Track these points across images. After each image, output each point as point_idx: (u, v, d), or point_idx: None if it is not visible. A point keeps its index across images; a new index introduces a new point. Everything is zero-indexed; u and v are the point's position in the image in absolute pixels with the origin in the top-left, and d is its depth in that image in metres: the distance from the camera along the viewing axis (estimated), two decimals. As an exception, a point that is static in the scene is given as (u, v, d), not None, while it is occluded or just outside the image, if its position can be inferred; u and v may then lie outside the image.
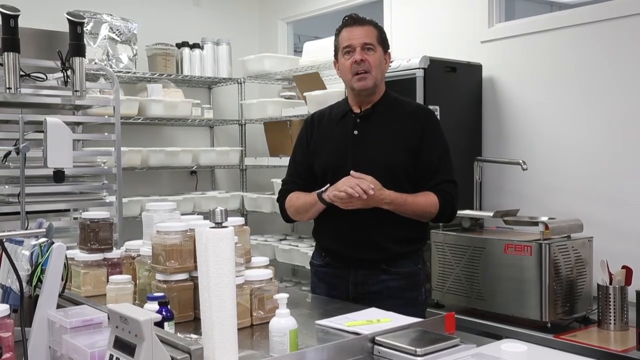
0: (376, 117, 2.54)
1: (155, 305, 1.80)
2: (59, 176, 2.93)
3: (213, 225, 1.63)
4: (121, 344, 1.42)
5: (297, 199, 2.60)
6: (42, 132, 2.91)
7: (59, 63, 3.35)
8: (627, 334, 2.87)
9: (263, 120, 5.17)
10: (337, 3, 5.14)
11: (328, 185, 2.44)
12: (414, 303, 2.51)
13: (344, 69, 2.54)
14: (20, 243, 1.88)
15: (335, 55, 2.59)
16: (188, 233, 1.99)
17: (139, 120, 4.74)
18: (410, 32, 4.53)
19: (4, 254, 1.75)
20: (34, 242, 1.85)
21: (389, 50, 2.60)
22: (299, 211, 2.60)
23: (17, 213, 3.31)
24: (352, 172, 2.38)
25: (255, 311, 1.96)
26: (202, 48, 5.19)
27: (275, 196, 4.73)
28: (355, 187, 2.31)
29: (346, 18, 2.56)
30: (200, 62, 5.16)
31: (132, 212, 4.50)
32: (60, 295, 1.83)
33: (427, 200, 2.47)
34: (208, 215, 1.68)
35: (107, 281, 2.17)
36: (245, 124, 5.50)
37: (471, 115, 4.06)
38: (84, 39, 3.42)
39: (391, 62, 3.11)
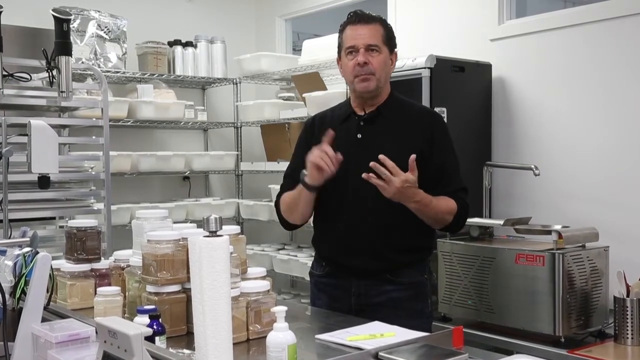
0: (381, 120, 2.55)
1: (145, 319, 1.80)
2: (43, 182, 2.93)
3: (207, 234, 1.64)
4: (110, 360, 1.43)
5: (286, 196, 2.62)
6: (26, 135, 2.92)
7: (44, 62, 3.36)
8: (645, 349, 2.88)
9: (260, 122, 5.18)
10: (338, -1, 5.17)
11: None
12: (420, 315, 2.51)
13: (346, 70, 2.54)
14: (3, 253, 1.88)
15: (339, 53, 2.60)
16: (180, 242, 1.99)
17: (129, 123, 4.75)
18: (416, 30, 4.54)
19: (-15, 264, 1.76)
20: (17, 251, 1.86)
21: (396, 50, 2.60)
22: (291, 208, 2.60)
23: (0, 221, 3.31)
24: (378, 158, 2.32)
25: (251, 325, 1.96)
26: (195, 46, 5.20)
27: (273, 203, 4.77)
28: (320, 160, 2.32)
29: (351, 14, 2.56)
30: (194, 62, 5.17)
31: (121, 220, 4.50)
32: (45, 308, 1.84)
33: (447, 206, 2.48)
34: (202, 224, 1.69)
35: (95, 293, 2.17)
36: (241, 127, 5.51)
37: (480, 118, 4.06)
38: (71, 37, 3.43)
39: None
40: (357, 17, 2.53)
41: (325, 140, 2.38)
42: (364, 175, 2.33)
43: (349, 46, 2.51)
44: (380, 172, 2.31)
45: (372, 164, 2.32)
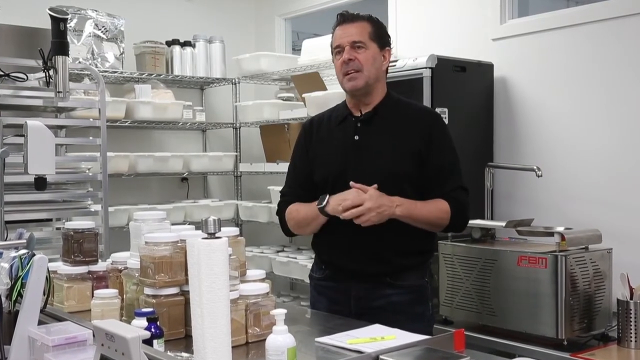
0: (378, 120, 2.55)
1: (143, 322, 1.80)
2: (40, 183, 2.93)
3: (205, 235, 1.64)
4: (107, 363, 1.43)
5: (297, 211, 2.60)
6: (23, 136, 2.91)
7: (40, 62, 3.35)
8: (649, 352, 2.88)
9: (259, 123, 5.18)
10: (338, -2, 5.18)
11: (327, 196, 2.45)
12: (421, 319, 2.51)
13: (336, 70, 2.58)
14: (-1, 255, 1.88)
15: (332, 56, 2.62)
16: (179, 244, 1.99)
17: (126, 124, 4.75)
18: (417, 29, 4.54)
19: (-19, 266, 1.76)
20: (13, 253, 1.86)
21: (389, 47, 2.60)
22: (300, 225, 2.62)
23: (-4, 223, 3.31)
24: (351, 183, 2.39)
25: (250, 328, 1.96)
26: (193, 46, 5.20)
27: (272, 204, 4.78)
28: (352, 203, 2.34)
29: (338, 16, 2.60)
30: (192, 61, 5.17)
31: (118, 221, 4.50)
32: (41, 311, 1.84)
33: (437, 208, 2.47)
34: (200, 225, 1.69)
35: (92, 296, 2.17)
36: (240, 128, 5.51)
37: (482, 118, 4.07)
38: (68, 37, 3.43)
39: (395, 61, 3.11)
40: (343, 18, 2.57)
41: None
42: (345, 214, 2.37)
43: (336, 46, 2.55)
44: (355, 212, 2.34)
45: (344, 215, 2.36)
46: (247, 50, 5.49)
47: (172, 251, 1.97)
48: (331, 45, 2.60)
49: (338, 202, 2.39)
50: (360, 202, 2.34)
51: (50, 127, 3.20)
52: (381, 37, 2.56)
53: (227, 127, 5.53)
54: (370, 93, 2.55)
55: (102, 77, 4.04)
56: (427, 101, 3.68)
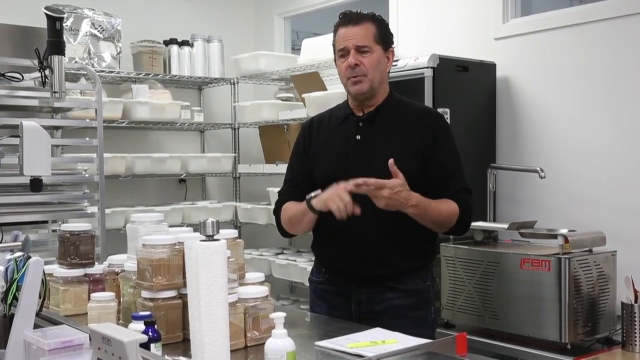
0: (380, 120, 2.55)
1: (140, 325, 1.80)
2: (36, 185, 2.92)
3: (204, 238, 1.64)
4: (104, 367, 1.43)
5: (290, 209, 2.60)
6: (18, 136, 2.91)
7: (36, 62, 3.36)
8: (654, 356, 2.88)
9: (258, 124, 5.18)
10: (338, -3, 5.18)
11: (318, 191, 2.43)
12: (423, 323, 2.51)
13: (339, 72, 2.57)
14: (-6, 257, 1.88)
15: (334, 55, 2.61)
16: (176, 247, 1.99)
17: (123, 124, 4.75)
18: (418, 28, 4.54)
19: (-24, 269, 1.76)
20: (9, 256, 1.86)
21: (392, 47, 2.60)
22: (292, 222, 2.60)
23: (-9, 225, 3.31)
24: (364, 180, 2.34)
25: (249, 331, 1.96)
26: (191, 45, 5.21)
27: (271, 206, 4.76)
28: (339, 202, 2.29)
29: (341, 15, 2.58)
30: (190, 61, 5.17)
31: (115, 223, 4.50)
32: (37, 314, 1.84)
33: (448, 208, 2.46)
34: (198, 228, 1.69)
35: (89, 299, 2.17)
36: (238, 128, 5.51)
37: (484, 119, 4.07)
38: (64, 36, 3.43)
39: (397, 60, 3.11)
40: (346, 18, 2.55)
41: (349, 186, 2.32)
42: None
43: (340, 48, 2.53)
44: (364, 192, 2.30)
45: (354, 187, 2.30)
46: (246, 49, 5.49)
47: (169, 254, 1.97)
48: (333, 45, 2.59)
49: (328, 197, 2.34)
50: (382, 186, 2.29)
51: (46, 127, 3.19)
52: (385, 38, 2.55)
53: (226, 127, 5.53)
54: (373, 96, 2.55)
55: (99, 77, 4.05)
56: (428, 101, 3.68)
